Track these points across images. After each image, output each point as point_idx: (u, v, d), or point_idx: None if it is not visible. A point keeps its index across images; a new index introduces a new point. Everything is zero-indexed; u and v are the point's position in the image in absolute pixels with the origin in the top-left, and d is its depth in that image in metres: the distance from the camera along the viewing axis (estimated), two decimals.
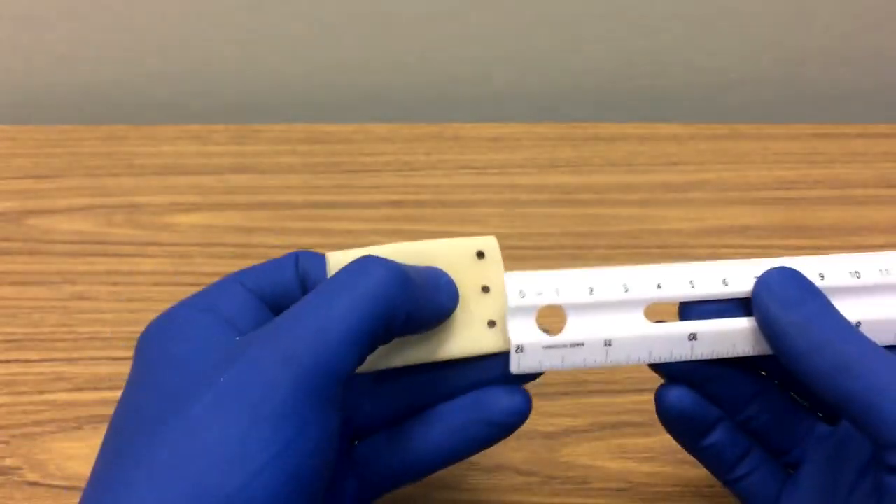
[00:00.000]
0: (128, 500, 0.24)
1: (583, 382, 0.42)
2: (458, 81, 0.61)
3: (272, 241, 0.49)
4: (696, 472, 0.39)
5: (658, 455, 0.39)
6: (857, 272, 0.30)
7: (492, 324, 0.30)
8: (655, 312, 0.30)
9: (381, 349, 0.28)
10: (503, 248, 0.31)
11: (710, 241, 0.49)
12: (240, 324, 0.28)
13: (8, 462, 0.39)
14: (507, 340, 0.29)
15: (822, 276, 0.30)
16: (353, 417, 0.31)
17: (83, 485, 0.38)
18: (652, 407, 0.41)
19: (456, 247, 0.30)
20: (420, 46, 0.59)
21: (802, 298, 0.29)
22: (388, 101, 0.61)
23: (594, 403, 0.41)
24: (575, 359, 0.29)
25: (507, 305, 0.29)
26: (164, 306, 0.46)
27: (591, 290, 0.30)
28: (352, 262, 0.27)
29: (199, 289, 0.46)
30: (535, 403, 0.41)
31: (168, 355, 0.27)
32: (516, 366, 0.29)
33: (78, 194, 0.51)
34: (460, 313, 0.30)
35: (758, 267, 0.30)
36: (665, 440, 0.39)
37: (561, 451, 0.40)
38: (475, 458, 0.38)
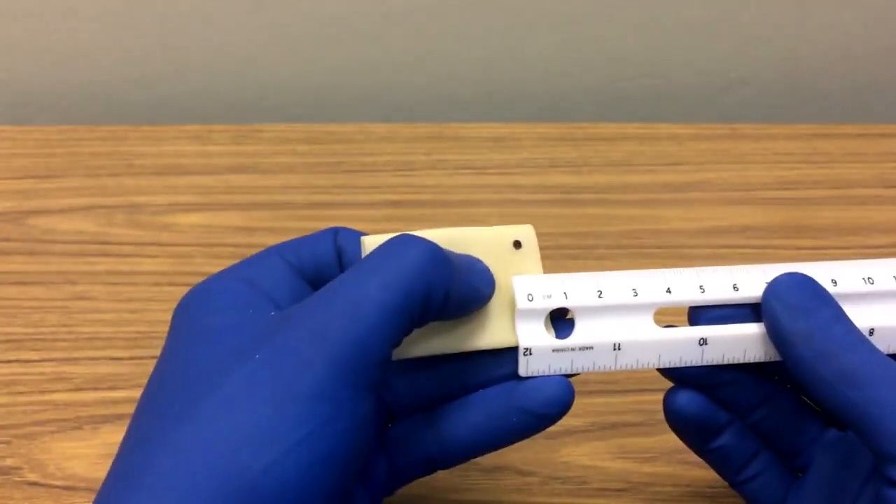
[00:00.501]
0: (155, 477, 0.24)
1: (583, 382, 0.42)
2: (458, 81, 0.61)
3: (272, 241, 0.49)
4: (696, 472, 0.39)
5: (658, 455, 0.39)
6: (870, 278, 0.30)
7: None
8: (664, 316, 0.30)
9: (415, 334, 0.28)
10: None
11: (710, 242, 0.49)
12: (276, 296, 0.28)
13: (8, 462, 0.39)
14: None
15: (834, 282, 0.29)
16: (389, 400, 0.30)
17: (83, 485, 0.38)
18: (652, 407, 0.41)
19: (493, 235, 0.30)
20: (420, 46, 0.59)
21: (811, 306, 0.28)
22: (388, 101, 0.61)
23: (594, 403, 0.41)
24: (584, 362, 0.29)
25: (516, 308, 0.29)
26: (165, 306, 0.46)
27: (600, 294, 0.29)
28: (389, 240, 0.27)
29: None
30: None
31: (202, 326, 0.27)
32: (524, 369, 0.29)
33: (78, 194, 0.51)
34: (496, 304, 0.29)
35: (769, 272, 0.30)
36: (665, 440, 0.39)
37: (561, 451, 0.40)
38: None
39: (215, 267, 0.48)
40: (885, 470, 0.26)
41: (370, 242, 0.28)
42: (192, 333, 0.27)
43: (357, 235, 0.30)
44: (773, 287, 0.29)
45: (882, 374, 0.27)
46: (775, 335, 0.29)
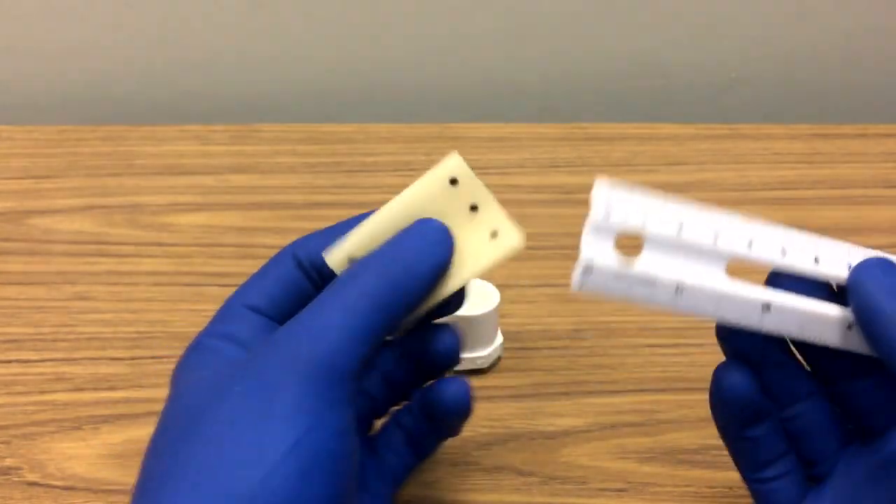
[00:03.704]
0: None
1: (583, 383, 0.42)
2: (458, 81, 0.61)
3: (272, 241, 0.49)
4: (696, 472, 0.39)
5: (658, 455, 0.39)
6: None
7: (494, 234, 0.30)
8: (734, 271, 0.29)
9: None
10: None
11: None
12: (251, 343, 0.30)
13: (8, 462, 0.39)
14: (512, 239, 0.29)
15: None
16: (368, 404, 0.32)
17: (83, 485, 0.38)
18: (652, 407, 0.41)
19: (428, 186, 0.30)
20: (420, 46, 0.59)
21: None
22: (388, 101, 0.61)
23: (594, 403, 0.41)
24: (641, 294, 0.27)
25: (590, 218, 0.27)
26: (164, 306, 0.46)
27: (681, 229, 0.28)
28: (350, 269, 0.29)
29: (199, 289, 0.47)
30: (536, 403, 0.41)
31: (192, 379, 0.29)
32: (579, 284, 0.27)
33: (78, 194, 0.51)
34: (462, 243, 0.30)
35: (852, 253, 0.29)
36: (665, 440, 0.39)
37: (561, 451, 0.40)
38: (475, 458, 0.38)
39: (215, 267, 0.49)
40: None
41: (333, 262, 0.30)
42: (183, 387, 0.29)
43: (314, 240, 0.31)
44: (864, 270, 0.28)
45: None
46: (870, 316, 0.28)
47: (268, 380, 0.27)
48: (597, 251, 0.27)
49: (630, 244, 0.28)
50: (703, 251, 0.28)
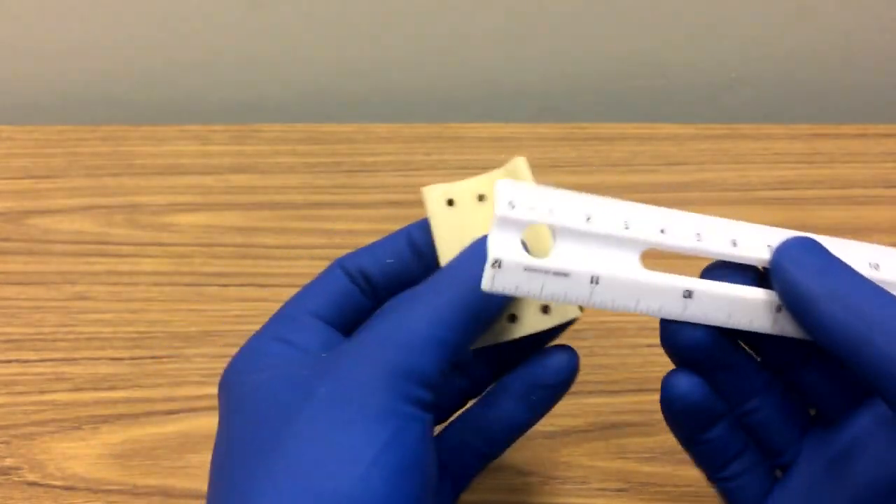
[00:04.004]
0: None
1: (583, 382, 0.42)
2: (458, 81, 0.61)
3: (272, 241, 0.49)
4: (695, 472, 0.38)
5: (658, 455, 0.39)
6: (876, 264, 0.28)
7: (545, 309, 0.30)
8: (652, 262, 0.28)
9: None
10: None
11: None
12: (311, 350, 0.30)
13: (8, 462, 0.39)
14: (563, 315, 0.29)
15: None
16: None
17: (83, 485, 0.38)
18: (652, 407, 0.41)
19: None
20: (420, 46, 0.59)
21: (830, 267, 0.27)
22: (388, 101, 0.61)
23: (594, 403, 0.41)
24: (555, 289, 0.27)
25: (494, 214, 0.27)
26: (165, 306, 0.46)
27: (589, 218, 0.27)
28: (432, 279, 0.29)
29: (199, 289, 0.47)
30: None
31: (256, 383, 0.29)
32: (489, 283, 0.27)
33: (78, 194, 0.51)
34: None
35: (769, 234, 0.28)
36: (665, 440, 0.39)
37: (561, 451, 0.40)
38: None
39: (215, 267, 0.49)
40: None
41: (432, 195, 0.30)
42: (249, 391, 0.29)
43: (360, 255, 0.32)
44: (786, 250, 0.28)
45: None
46: (795, 297, 0.27)
47: (355, 382, 0.27)
48: (504, 245, 0.26)
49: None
50: (614, 240, 0.27)
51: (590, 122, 0.56)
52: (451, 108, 0.61)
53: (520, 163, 0.31)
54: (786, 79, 0.62)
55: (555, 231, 0.27)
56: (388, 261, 0.31)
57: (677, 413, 0.31)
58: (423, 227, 0.31)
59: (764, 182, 0.52)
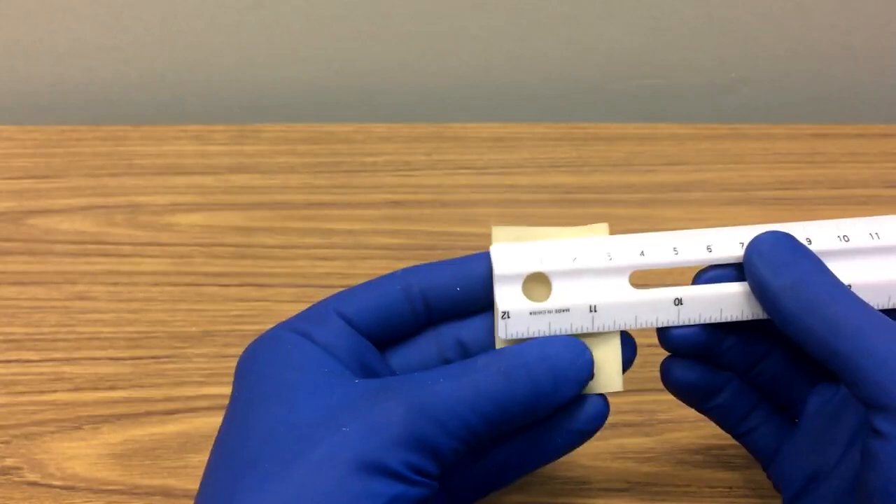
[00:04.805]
0: None
1: None
2: (458, 81, 0.61)
3: (272, 241, 0.49)
4: (695, 472, 0.39)
5: (658, 455, 0.39)
6: (845, 236, 0.30)
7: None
8: (643, 281, 0.31)
9: None
10: None
11: None
12: (338, 355, 0.29)
13: (8, 462, 0.39)
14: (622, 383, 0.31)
15: (809, 241, 0.30)
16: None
17: (83, 485, 0.38)
18: (652, 407, 0.41)
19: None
20: (420, 46, 0.59)
21: (793, 261, 0.29)
22: (388, 101, 0.61)
23: None
24: (562, 324, 0.30)
25: (494, 273, 0.30)
26: (164, 306, 0.46)
27: (575, 258, 0.30)
28: (493, 359, 0.29)
29: (198, 289, 0.47)
30: None
31: (280, 383, 0.28)
32: (503, 331, 0.30)
33: (78, 194, 0.51)
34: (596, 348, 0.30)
35: (742, 233, 0.30)
36: (665, 440, 0.40)
37: None
38: None
39: (215, 267, 0.49)
40: (871, 419, 0.27)
41: (500, 234, 0.31)
42: (270, 389, 0.28)
43: (433, 273, 0.31)
44: (755, 245, 0.30)
45: (867, 324, 0.27)
46: (760, 290, 0.29)
47: (386, 429, 0.27)
48: (508, 298, 0.30)
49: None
50: (602, 271, 0.30)
51: (590, 122, 0.57)
52: (451, 108, 0.61)
53: (601, 228, 0.31)
54: (786, 79, 0.62)
55: (549, 275, 0.30)
56: (457, 289, 0.31)
57: (678, 392, 0.33)
58: (487, 260, 0.31)
59: (764, 182, 0.52)
